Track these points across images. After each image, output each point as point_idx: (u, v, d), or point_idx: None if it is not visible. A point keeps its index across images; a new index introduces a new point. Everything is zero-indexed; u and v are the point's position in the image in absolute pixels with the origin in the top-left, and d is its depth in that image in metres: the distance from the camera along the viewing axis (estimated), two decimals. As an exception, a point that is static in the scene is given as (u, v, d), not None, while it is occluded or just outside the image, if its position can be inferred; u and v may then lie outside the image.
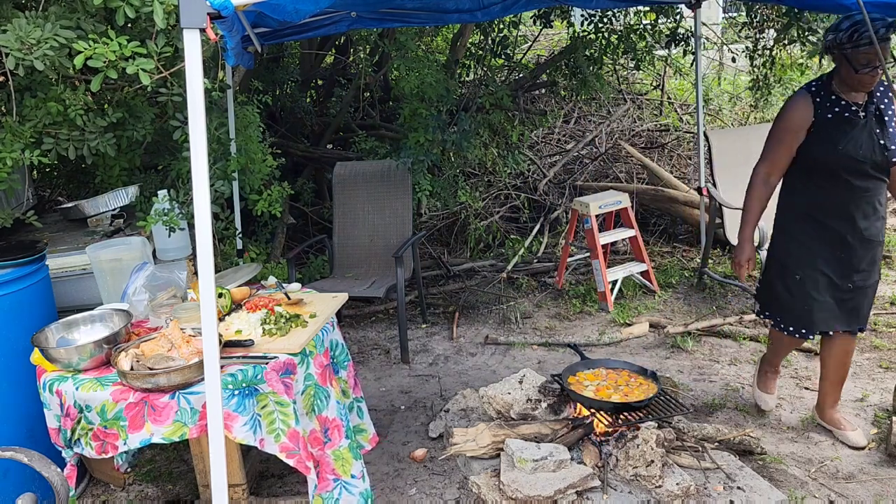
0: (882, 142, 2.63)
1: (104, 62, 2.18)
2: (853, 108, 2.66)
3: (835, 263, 2.79)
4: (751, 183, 2.92)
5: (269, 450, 2.15)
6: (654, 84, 7.86)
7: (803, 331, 2.90)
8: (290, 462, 2.18)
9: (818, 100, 2.71)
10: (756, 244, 4.23)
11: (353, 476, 2.41)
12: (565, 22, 6.17)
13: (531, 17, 5.99)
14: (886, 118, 2.67)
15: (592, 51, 5.80)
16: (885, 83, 2.68)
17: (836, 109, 2.67)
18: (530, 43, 7.69)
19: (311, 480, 2.29)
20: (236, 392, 2.09)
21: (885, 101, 2.68)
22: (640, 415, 2.78)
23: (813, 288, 2.82)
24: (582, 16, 5.89)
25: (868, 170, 2.65)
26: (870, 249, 2.78)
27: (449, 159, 5.17)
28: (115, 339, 2.23)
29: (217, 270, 2.20)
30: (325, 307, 2.64)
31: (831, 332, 2.88)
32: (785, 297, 2.91)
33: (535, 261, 5.54)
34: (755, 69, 5.79)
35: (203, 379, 1.91)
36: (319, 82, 7.05)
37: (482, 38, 5.67)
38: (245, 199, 3.75)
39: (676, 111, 7.44)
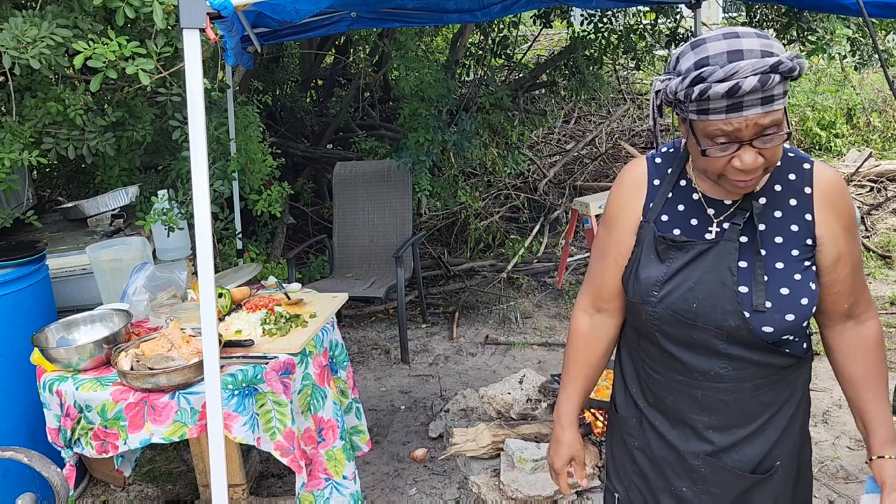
0: (742, 289, 1.29)
1: (104, 62, 2.17)
2: (704, 213, 1.37)
3: None
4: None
5: (264, 447, 2.16)
6: (654, 84, 7.86)
7: None
8: (284, 461, 2.18)
9: (656, 182, 1.46)
10: None
11: (344, 477, 2.42)
12: (565, 22, 6.18)
13: (531, 17, 5.99)
14: (772, 242, 1.30)
15: (592, 51, 5.80)
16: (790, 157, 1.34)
17: (680, 208, 1.41)
18: (530, 43, 7.70)
19: (300, 478, 2.29)
20: (236, 392, 2.09)
21: (786, 204, 1.31)
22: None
23: None
24: (582, 16, 5.89)
25: (711, 340, 1.32)
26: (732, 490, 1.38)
27: (449, 159, 5.16)
28: (115, 339, 2.23)
29: (216, 271, 2.19)
30: (325, 307, 2.64)
31: None
32: None
33: (535, 261, 5.54)
34: (755, 69, 5.78)
35: (203, 379, 1.90)
36: (319, 82, 7.05)
37: (482, 38, 5.67)
38: (245, 199, 3.75)
39: (676, 111, 7.44)
